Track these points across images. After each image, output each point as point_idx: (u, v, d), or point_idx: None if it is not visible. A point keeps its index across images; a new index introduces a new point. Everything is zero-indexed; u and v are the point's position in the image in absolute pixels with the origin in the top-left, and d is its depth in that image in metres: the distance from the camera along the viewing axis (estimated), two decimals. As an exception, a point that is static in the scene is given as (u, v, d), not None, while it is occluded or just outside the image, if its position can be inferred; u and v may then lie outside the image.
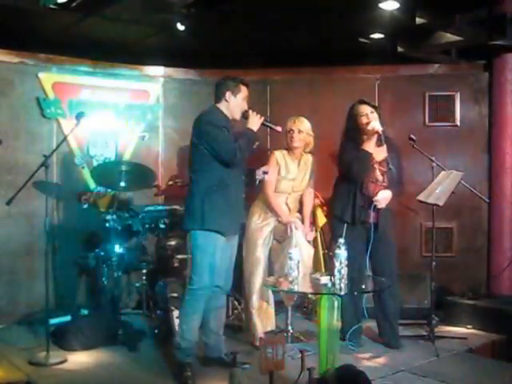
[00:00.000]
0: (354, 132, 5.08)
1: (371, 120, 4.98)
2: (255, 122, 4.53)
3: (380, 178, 5.09)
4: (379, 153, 5.08)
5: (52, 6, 5.02)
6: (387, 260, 5.13)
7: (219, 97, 4.56)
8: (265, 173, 4.90)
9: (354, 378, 3.68)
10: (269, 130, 4.92)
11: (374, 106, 5.11)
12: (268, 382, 3.70)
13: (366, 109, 5.05)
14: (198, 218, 4.40)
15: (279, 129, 4.76)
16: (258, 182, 4.95)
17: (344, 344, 4.90)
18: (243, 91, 4.57)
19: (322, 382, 3.73)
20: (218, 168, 4.42)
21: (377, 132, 4.94)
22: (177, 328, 4.99)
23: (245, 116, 4.57)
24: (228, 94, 4.52)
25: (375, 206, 5.01)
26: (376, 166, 5.09)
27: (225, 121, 4.51)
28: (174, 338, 4.60)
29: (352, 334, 5.10)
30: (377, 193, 5.03)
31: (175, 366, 4.47)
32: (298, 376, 3.88)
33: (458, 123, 6.68)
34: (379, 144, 5.06)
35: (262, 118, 4.58)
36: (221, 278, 4.58)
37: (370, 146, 5.04)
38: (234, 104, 4.55)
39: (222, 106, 4.55)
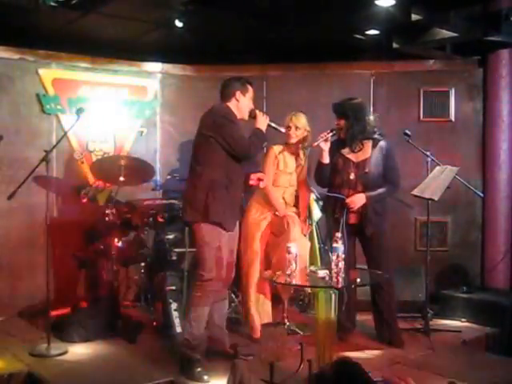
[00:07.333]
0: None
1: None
2: (262, 121, 4.60)
3: (353, 181, 5.04)
4: (359, 155, 5.09)
5: (52, 4, 5.06)
6: (378, 262, 5.05)
7: (228, 96, 4.58)
8: (260, 180, 4.89)
9: (350, 371, 3.73)
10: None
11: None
12: (268, 372, 3.75)
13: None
14: (201, 210, 4.38)
15: (283, 130, 4.92)
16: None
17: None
18: (250, 91, 4.64)
19: (320, 377, 3.79)
20: (224, 163, 4.44)
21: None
22: (175, 321, 5.07)
23: (252, 115, 4.63)
24: (238, 94, 4.56)
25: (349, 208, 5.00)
26: (351, 170, 5.06)
27: (236, 118, 4.55)
28: (179, 333, 4.53)
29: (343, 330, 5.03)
30: (349, 196, 5.01)
31: (183, 362, 4.39)
32: (298, 367, 3.95)
33: (453, 119, 6.70)
34: (358, 149, 5.09)
35: (268, 118, 4.65)
36: (224, 272, 4.58)
37: (345, 150, 5.10)
38: (244, 103, 4.59)
39: (232, 105, 4.57)
